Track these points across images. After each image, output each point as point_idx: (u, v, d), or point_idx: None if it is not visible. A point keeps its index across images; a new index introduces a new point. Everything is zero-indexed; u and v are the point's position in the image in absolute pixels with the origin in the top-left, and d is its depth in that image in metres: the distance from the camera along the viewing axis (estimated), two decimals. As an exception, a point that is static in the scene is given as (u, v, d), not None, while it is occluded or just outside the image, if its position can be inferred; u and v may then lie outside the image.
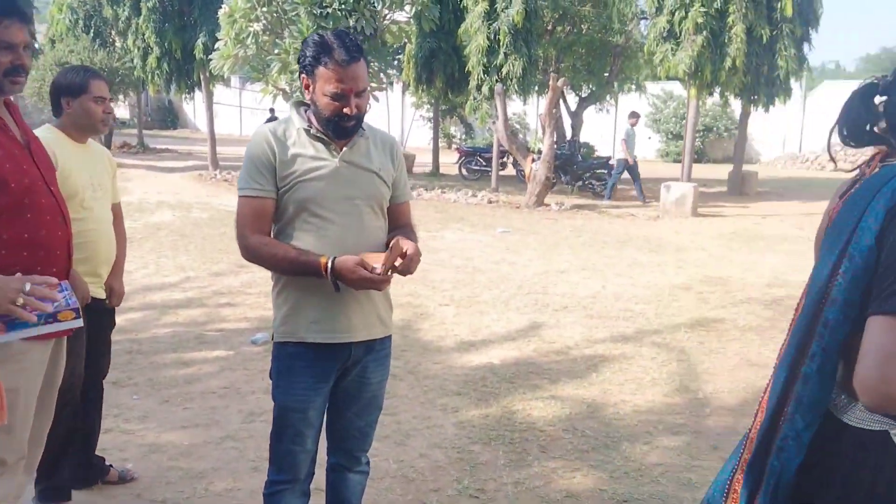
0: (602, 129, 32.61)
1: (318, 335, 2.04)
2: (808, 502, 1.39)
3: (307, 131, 2.05)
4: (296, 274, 2.02)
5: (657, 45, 13.98)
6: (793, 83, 15.50)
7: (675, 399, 4.23)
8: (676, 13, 13.45)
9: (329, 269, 1.93)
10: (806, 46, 15.31)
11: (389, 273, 1.95)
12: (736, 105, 18.75)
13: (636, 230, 11.25)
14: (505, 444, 3.58)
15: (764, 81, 14.72)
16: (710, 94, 15.06)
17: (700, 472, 3.31)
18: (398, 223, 2.23)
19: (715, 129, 28.79)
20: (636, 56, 19.06)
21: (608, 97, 22.18)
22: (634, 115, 15.44)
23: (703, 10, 13.07)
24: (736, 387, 4.43)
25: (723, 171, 18.44)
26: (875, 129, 1.44)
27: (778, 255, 8.96)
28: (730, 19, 13.32)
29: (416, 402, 4.11)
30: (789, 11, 13.49)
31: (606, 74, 19.91)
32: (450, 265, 7.95)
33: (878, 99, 1.44)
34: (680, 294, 6.83)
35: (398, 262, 1.96)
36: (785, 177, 22.73)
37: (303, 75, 2.02)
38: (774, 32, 14.08)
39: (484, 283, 7.12)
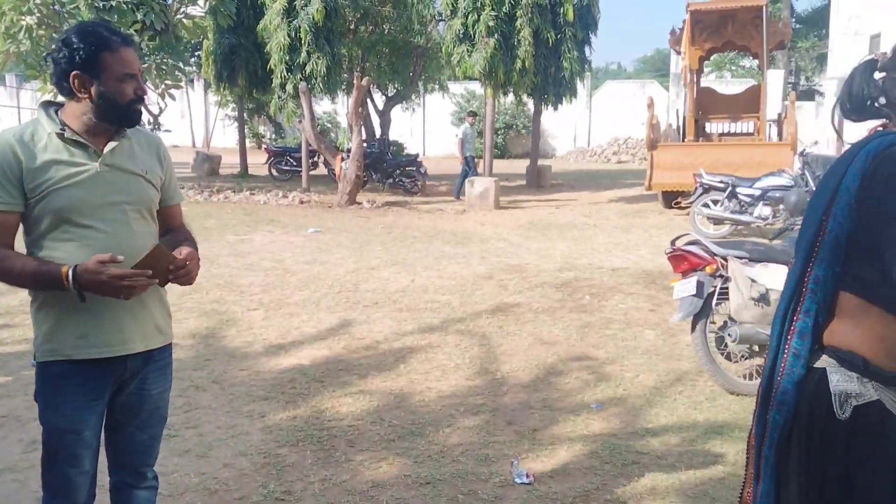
0: (411, 127, 33.38)
1: (88, 350, 1.93)
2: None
3: (60, 135, 1.91)
4: (39, 288, 1.90)
5: (454, 47, 14.58)
6: (578, 83, 16.83)
7: (476, 381, 4.49)
8: (470, 16, 14.10)
9: (71, 278, 1.81)
10: (587, 49, 16.71)
11: (157, 277, 1.89)
12: (530, 104, 20.01)
13: (444, 224, 11.68)
14: (313, 444, 3.60)
15: (552, 81, 15.87)
16: (505, 93, 15.96)
17: (496, 447, 3.55)
18: (170, 226, 2.18)
19: (514, 126, 30.47)
20: (437, 57, 19.71)
21: (413, 96, 22.70)
22: (472, 115, 15.97)
23: (493, 13, 13.82)
24: (529, 364, 4.79)
25: (523, 165, 19.63)
26: (875, 103, 1.53)
27: (567, 242, 9.75)
28: (518, 23, 14.21)
29: (221, 411, 4.01)
30: (571, 16, 14.65)
31: (411, 74, 20.37)
32: (259, 268, 7.78)
33: (877, 75, 1.52)
34: (483, 283, 7.21)
35: (175, 269, 1.92)
36: (576, 169, 24.63)
37: (74, 73, 1.87)
38: (559, 36, 15.22)
39: (294, 285, 7.05)
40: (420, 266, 8.09)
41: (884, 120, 1.54)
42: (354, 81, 14.06)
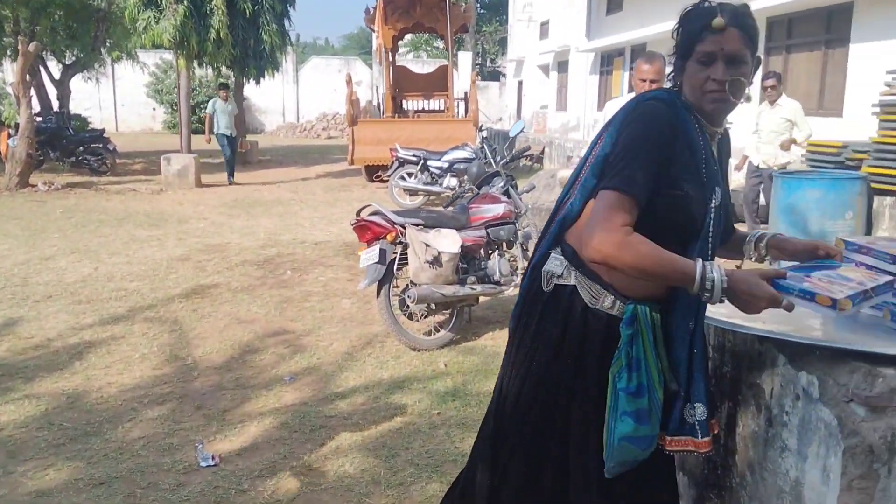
0: (100, 100, 30.15)
1: None
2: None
3: None
4: None
5: (139, 13, 13.41)
6: (281, 57, 16.57)
7: (165, 370, 4.27)
8: (154, -20, 13.08)
9: None
10: (287, 22, 16.50)
11: None
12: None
13: (137, 205, 10.82)
14: (-39, 462, 3.15)
15: (252, 54, 15.43)
16: (201, 64, 15.14)
17: (181, 435, 3.43)
18: None
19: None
20: (122, 22, 17.97)
21: (97, 65, 20.47)
22: (224, 87, 14.36)
23: (180, -22, 12.97)
24: (224, 345, 4.68)
25: (227, 141, 18.83)
26: None
27: (272, 218, 9.65)
28: (210, -9, 13.51)
29: None
30: (266, -13, 14.31)
31: (92, 40, 18.31)
32: None
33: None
34: (178, 266, 6.84)
35: None
36: (286, 145, 24.35)
37: None
38: (256, 7, 14.80)
39: (-58, 284, 6.02)
40: (106, 252, 7.42)
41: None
42: (20, 47, 12.23)
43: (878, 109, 6.10)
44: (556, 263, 1.75)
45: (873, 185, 5.73)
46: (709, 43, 1.61)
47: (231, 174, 13.76)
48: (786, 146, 6.05)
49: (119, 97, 30.88)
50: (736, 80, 1.62)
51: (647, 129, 1.63)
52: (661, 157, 1.61)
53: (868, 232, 5.64)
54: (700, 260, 1.59)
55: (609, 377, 1.66)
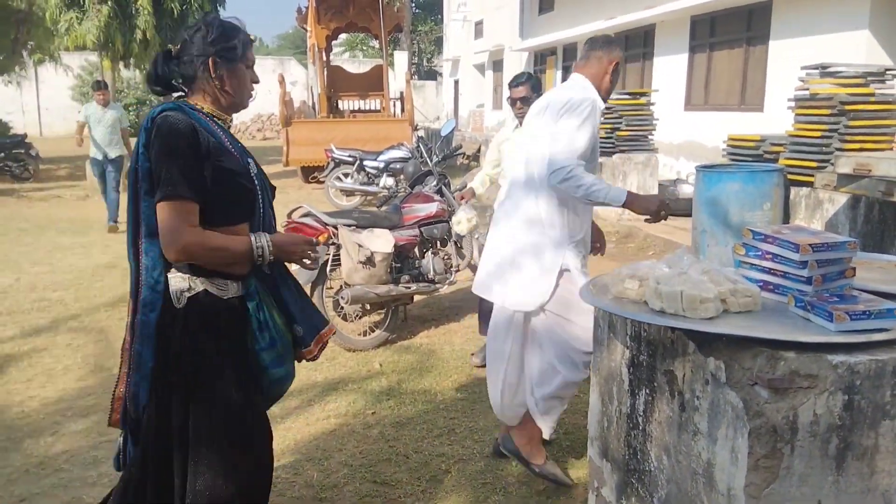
0: (22, 104, 28.96)
1: None
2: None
3: None
4: None
5: (60, 14, 12.95)
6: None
7: (89, 381, 4.14)
8: (74, -21, 12.64)
9: None
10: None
11: None
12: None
13: (62, 212, 10.44)
14: None
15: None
16: (127, 66, 14.70)
17: (107, 447, 3.32)
18: None
19: (149, 101, 28.30)
20: (43, 23, 17.29)
21: (18, 68, 19.61)
22: (100, 87, 13.56)
23: (102, -23, 12.57)
24: (153, 354, 4.55)
25: (157, 144, 18.30)
26: (175, 81, 2.02)
27: (205, 222, 9.44)
28: (134, -10, 13.14)
29: None
30: (193, -14, 13.99)
31: (12, 42, 17.53)
32: None
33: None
34: (104, 273, 6.63)
35: None
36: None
37: None
38: (184, 7, 14.46)
39: None
40: (27, 262, 7.13)
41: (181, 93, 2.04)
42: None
43: (793, 104, 6.37)
44: (176, 280, 1.92)
45: (790, 176, 5.97)
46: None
47: (113, 216, 8.87)
48: None
49: (43, 101, 29.71)
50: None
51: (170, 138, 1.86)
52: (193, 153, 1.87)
53: (785, 221, 5.87)
54: (252, 235, 1.97)
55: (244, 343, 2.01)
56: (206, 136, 1.90)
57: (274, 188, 2.18)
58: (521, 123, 4.11)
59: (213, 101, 2.01)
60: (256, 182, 2.04)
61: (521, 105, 4.05)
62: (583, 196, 2.61)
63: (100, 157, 9.15)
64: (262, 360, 2.05)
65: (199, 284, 1.92)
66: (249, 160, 2.06)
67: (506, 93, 4.55)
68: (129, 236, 1.97)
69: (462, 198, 4.66)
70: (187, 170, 1.84)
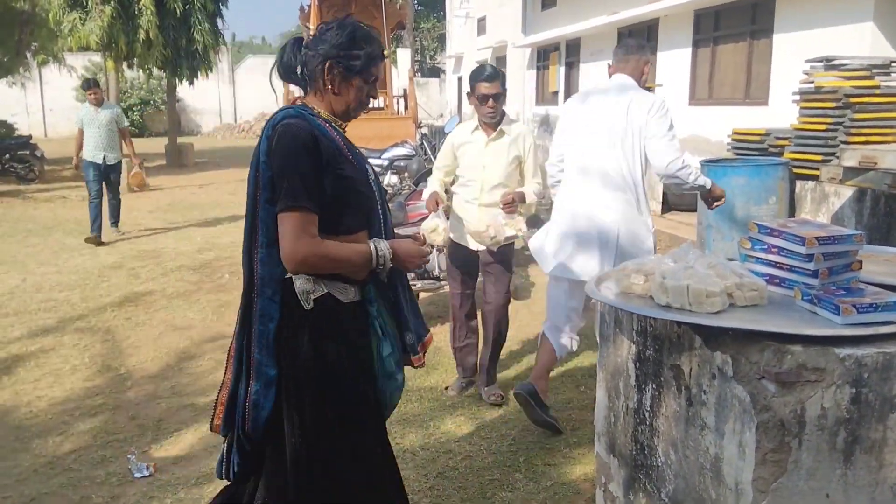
0: (27, 105, 29.04)
1: None
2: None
3: None
4: None
5: (64, 14, 12.98)
6: (215, 56, 16.24)
7: (97, 381, 4.15)
8: (78, -20, 12.67)
9: None
10: (220, 21, 16.18)
11: None
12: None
13: (67, 213, 10.47)
14: None
15: (185, 54, 15.08)
16: (130, 66, 14.72)
17: (115, 446, 3.34)
18: None
19: (152, 102, 28.40)
20: (47, 24, 17.34)
21: (22, 69, 19.67)
22: (91, 85, 13.45)
23: (105, -22, 12.60)
24: (159, 353, 4.57)
25: (163, 144, 18.39)
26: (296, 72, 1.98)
27: (210, 222, 9.46)
28: (137, -10, 13.16)
29: None
30: (198, -14, 14.00)
31: (17, 44, 17.57)
32: None
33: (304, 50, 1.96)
34: (110, 274, 6.65)
35: None
36: (224, 146, 23.89)
37: None
38: (187, 7, 14.47)
39: None
40: (34, 262, 7.15)
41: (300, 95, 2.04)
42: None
43: (798, 97, 6.34)
44: (302, 281, 1.89)
45: (795, 170, 5.95)
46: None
47: (115, 220, 8.54)
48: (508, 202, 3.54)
49: (47, 102, 29.75)
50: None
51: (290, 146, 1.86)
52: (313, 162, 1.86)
53: (791, 215, 5.86)
54: (371, 243, 1.95)
55: (370, 349, 2.00)
56: (326, 143, 1.87)
57: (386, 192, 2.15)
58: (486, 126, 3.58)
59: (327, 104, 1.97)
60: (374, 188, 2.03)
61: (493, 104, 3.48)
62: (693, 180, 3.13)
63: (98, 160, 8.13)
64: (388, 365, 2.02)
65: (322, 287, 1.90)
66: (367, 166, 2.04)
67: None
68: (245, 245, 1.94)
69: (437, 204, 3.67)
70: (308, 179, 1.82)
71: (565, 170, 3.40)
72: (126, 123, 8.70)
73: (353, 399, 1.95)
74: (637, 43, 3.37)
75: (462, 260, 3.77)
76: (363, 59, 1.93)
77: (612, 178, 3.18)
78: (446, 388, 3.95)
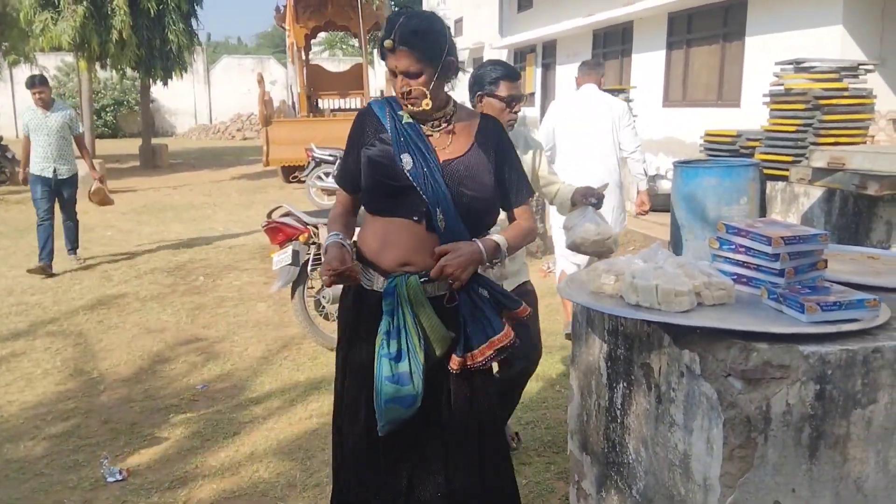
0: (-1, 106, 28.55)
1: None
2: None
3: None
4: None
5: (35, 14, 12.79)
6: (190, 56, 16.07)
7: (69, 385, 4.10)
8: (50, -21, 12.49)
9: None
10: (195, 22, 16.04)
11: None
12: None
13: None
14: None
15: (158, 55, 14.92)
16: (103, 66, 14.54)
17: (88, 450, 3.30)
18: None
19: (125, 102, 28.05)
20: (17, 25, 17.06)
21: (-8, 69, 19.35)
22: (37, 83, 12.93)
23: (77, -23, 12.43)
24: (132, 357, 4.52)
25: (137, 145, 18.17)
26: None
27: (184, 224, 9.38)
28: (110, -10, 13.00)
29: None
30: (170, -14, 13.87)
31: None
32: None
33: None
34: (82, 276, 6.56)
35: None
36: (198, 147, 23.67)
37: None
38: (161, 7, 14.33)
39: None
40: (5, 266, 7.05)
41: None
42: None
43: (768, 99, 6.44)
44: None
45: (765, 170, 6.04)
46: (388, 61, 1.91)
47: (73, 246, 7.04)
48: None
49: (18, 103, 29.22)
50: (409, 89, 1.89)
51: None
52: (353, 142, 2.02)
53: (762, 215, 5.94)
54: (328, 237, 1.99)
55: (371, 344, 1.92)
56: (373, 121, 1.99)
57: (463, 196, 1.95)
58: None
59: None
60: (414, 180, 1.89)
61: (517, 107, 2.91)
62: (640, 170, 4.94)
63: (48, 174, 6.64)
64: (380, 366, 1.87)
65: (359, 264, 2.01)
66: (406, 156, 1.91)
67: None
68: None
69: None
70: (345, 156, 2.05)
71: (564, 152, 4.69)
72: (81, 130, 7.20)
73: (348, 364, 2.06)
74: (595, 62, 5.14)
75: None
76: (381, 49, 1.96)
77: (605, 150, 4.69)
78: None
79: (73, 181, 6.92)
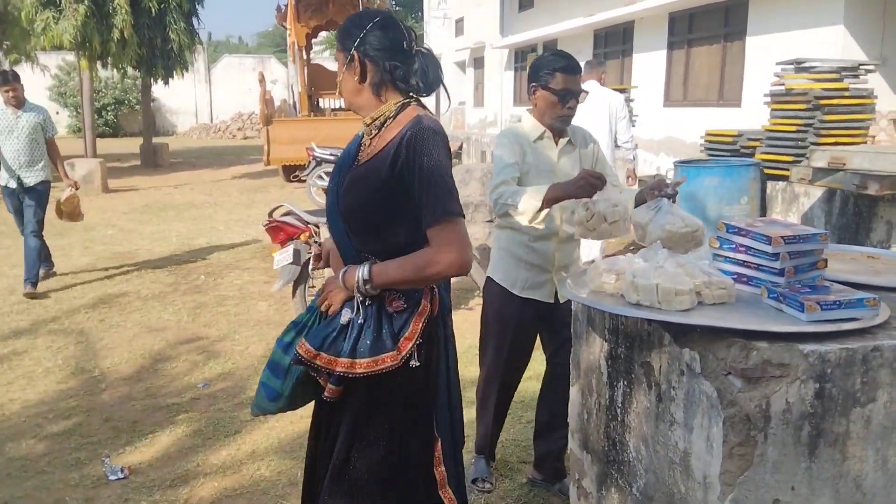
0: None
1: None
2: None
3: None
4: None
5: (36, 13, 12.80)
6: (191, 56, 16.08)
7: (70, 383, 4.11)
8: (52, -22, 12.50)
9: None
10: (196, 21, 16.05)
11: None
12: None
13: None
14: None
15: (160, 54, 14.94)
16: (105, 65, 14.55)
17: (90, 448, 3.31)
18: None
19: (126, 102, 28.08)
20: (19, 23, 17.07)
21: (-8, 68, 19.35)
22: (7, 80, 10.98)
23: (79, -24, 12.45)
24: (134, 355, 4.53)
25: (138, 144, 18.19)
26: None
27: (185, 223, 9.39)
28: (111, -11, 13.01)
29: None
30: (172, -15, 13.88)
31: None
32: None
33: None
34: (84, 275, 6.58)
35: None
36: (199, 146, 23.68)
37: None
38: (162, 6, 14.34)
39: None
40: (6, 265, 7.06)
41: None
42: None
43: (769, 99, 6.45)
44: None
45: (766, 170, 6.06)
46: None
47: (29, 276, 5.86)
48: None
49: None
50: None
51: None
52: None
53: (763, 215, 5.96)
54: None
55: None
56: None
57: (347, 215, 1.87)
58: (554, 132, 2.75)
59: None
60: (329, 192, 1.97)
61: (572, 102, 2.69)
62: (633, 153, 6.00)
63: (13, 184, 5.89)
64: (273, 351, 1.88)
65: None
66: (339, 181, 1.92)
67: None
68: None
69: None
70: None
71: None
72: (54, 133, 6.26)
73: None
74: (597, 61, 6.09)
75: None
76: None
77: (603, 141, 5.01)
78: None
79: (40, 191, 6.04)
